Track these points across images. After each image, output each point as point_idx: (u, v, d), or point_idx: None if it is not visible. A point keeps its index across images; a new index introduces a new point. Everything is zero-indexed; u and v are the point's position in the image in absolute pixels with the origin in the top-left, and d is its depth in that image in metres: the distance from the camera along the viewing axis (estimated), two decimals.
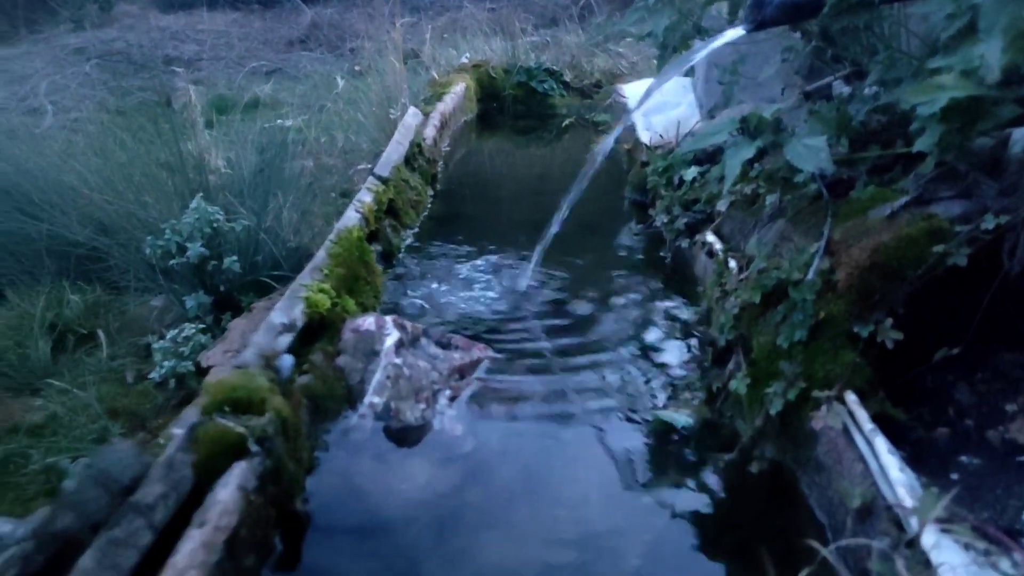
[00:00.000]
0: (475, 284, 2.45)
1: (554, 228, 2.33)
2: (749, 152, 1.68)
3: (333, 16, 7.64)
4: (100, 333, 1.97)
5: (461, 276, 2.50)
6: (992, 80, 1.15)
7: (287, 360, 1.68)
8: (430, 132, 3.75)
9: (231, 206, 2.19)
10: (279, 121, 4.05)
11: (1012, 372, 1.41)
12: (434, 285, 2.44)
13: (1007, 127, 1.40)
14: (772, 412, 1.45)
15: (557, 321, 2.20)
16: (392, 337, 1.84)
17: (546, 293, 2.37)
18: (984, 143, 1.47)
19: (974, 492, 1.19)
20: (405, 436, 1.68)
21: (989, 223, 1.34)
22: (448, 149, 4.13)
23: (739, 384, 1.58)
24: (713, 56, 2.09)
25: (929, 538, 1.02)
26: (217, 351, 1.80)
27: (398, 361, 1.79)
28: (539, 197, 3.38)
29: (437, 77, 4.90)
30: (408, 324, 1.93)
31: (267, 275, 2.12)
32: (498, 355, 2.00)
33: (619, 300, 2.31)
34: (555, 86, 5.34)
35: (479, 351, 1.97)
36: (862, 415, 1.31)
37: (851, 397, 1.36)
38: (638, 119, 3.40)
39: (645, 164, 3.11)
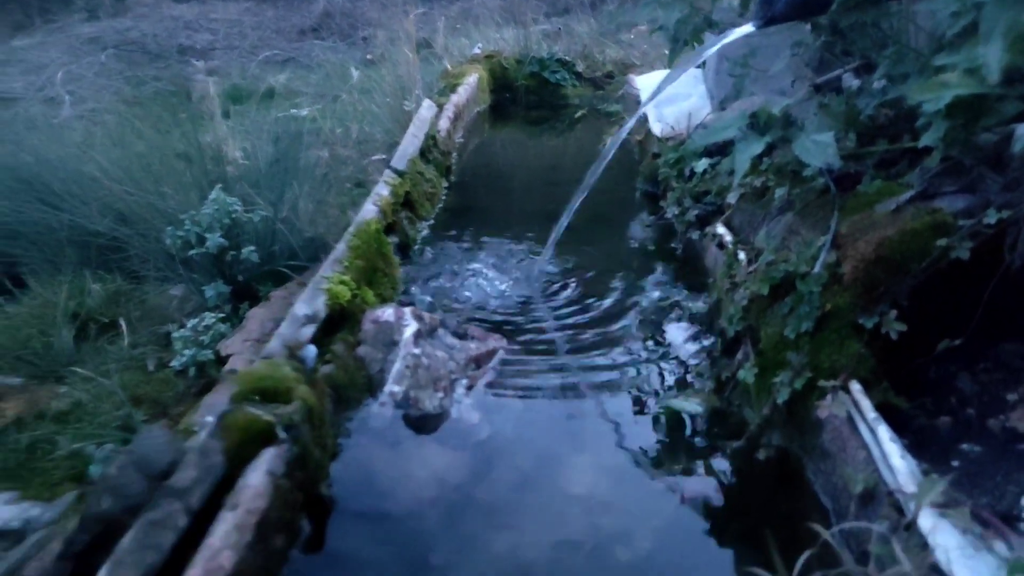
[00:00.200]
0: (489, 275, 2.50)
1: (566, 220, 2.37)
2: (759, 147, 1.70)
3: (345, 4, 7.66)
4: (121, 322, 1.99)
5: (476, 267, 2.55)
6: (993, 82, 1.18)
7: (311, 350, 1.74)
8: (444, 124, 3.79)
9: (248, 196, 2.22)
10: (293, 111, 4.09)
11: (1013, 362, 1.45)
12: (449, 276, 2.49)
13: (1011, 123, 1.43)
14: (779, 401, 1.49)
15: (570, 311, 2.25)
16: (411, 328, 1.89)
17: (559, 284, 2.43)
18: (988, 139, 1.49)
19: (974, 479, 1.22)
20: (423, 424, 1.74)
21: (991, 218, 1.37)
22: (462, 140, 4.17)
23: (747, 373, 1.63)
24: (724, 49, 2.11)
25: (927, 522, 1.06)
26: (236, 339, 1.85)
27: (417, 351, 1.84)
28: (552, 188, 3.42)
29: (450, 67, 4.92)
30: (426, 315, 1.98)
31: (284, 265, 2.16)
32: (513, 345, 2.05)
33: (631, 290, 2.35)
34: (567, 76, 5.35)
35: (495, 341, 2.03)
36: (866, 404, 1.35)
37: (856, 386, 1.40)
38: (650, 111, 3.43)
39: (657, 156, 3.14)
